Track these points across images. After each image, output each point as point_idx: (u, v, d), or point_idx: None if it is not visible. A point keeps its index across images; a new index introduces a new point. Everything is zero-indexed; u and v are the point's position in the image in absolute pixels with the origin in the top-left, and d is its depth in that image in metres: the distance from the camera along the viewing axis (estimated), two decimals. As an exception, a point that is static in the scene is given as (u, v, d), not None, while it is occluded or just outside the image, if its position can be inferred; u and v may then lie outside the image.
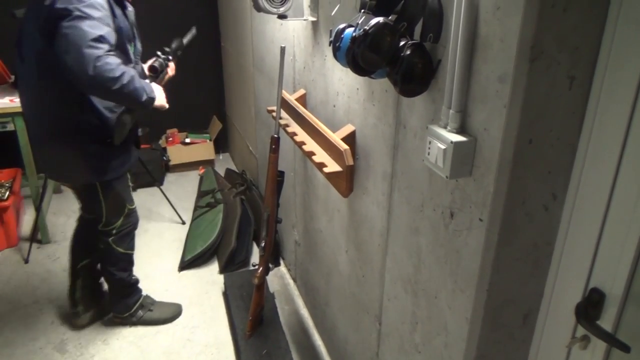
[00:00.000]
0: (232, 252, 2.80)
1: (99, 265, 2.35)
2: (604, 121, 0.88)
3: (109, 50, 1.69)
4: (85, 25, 1.64)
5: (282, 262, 2.88)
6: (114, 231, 2.18)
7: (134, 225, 2.28)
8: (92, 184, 2.05)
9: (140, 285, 2.43)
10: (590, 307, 0.95)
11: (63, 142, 1.95)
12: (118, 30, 1.81)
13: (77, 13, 1.65)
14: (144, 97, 1.84)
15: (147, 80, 1.97)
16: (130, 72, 1.75)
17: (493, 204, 0.96)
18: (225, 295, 2.59)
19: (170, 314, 2.47)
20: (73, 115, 1.90)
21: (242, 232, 2.92)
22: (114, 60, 1.69)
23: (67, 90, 1.82)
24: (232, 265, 2.82)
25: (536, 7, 0.80)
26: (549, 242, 1.02)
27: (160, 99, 2.01)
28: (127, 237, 2.25)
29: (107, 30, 1.70)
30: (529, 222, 0.98)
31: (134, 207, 2.25)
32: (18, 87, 2.06)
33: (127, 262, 2.30)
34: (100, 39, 1.66)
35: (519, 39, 0.83)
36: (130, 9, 1.98)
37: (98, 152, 1.98)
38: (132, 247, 2.30)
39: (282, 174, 2.02)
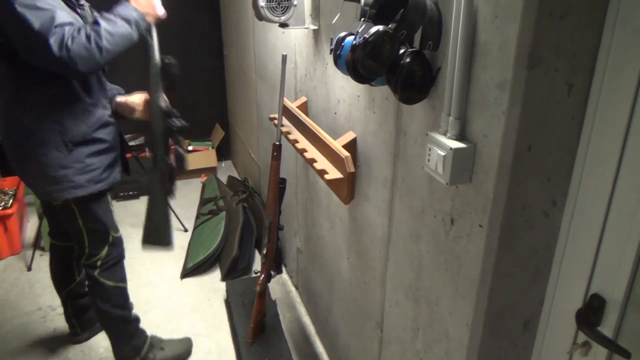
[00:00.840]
0: (234, 259, 2.81)
1: (85, 286, 2.16)
2: (603, 127, 0.89)
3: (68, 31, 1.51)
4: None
5: (284, 269, 2.88)
6: (99, 263, 1.94)
7: (121, 255, 2.03)
8: (68, 206, 1.82)
9: (142, 326, 2.20)
10: (590, 313, 0.95)
11: (24, 152, 1.73)
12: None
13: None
14: (133, 30, 1.64)
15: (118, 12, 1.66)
16: (98, 29, 1.56)
17: (493, 210, 0.96)
18: (227, 302, 2.59)
19: (183, 348, 2.27)
20: (27, 121, 1.69)
21: (244, 239, 2.92)
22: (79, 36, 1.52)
23: (20, 95, 1.67)
24: (234, 272, 2.82)
25: (533, 14, 0.81)
26: (549, 248, 1.02)
27: (148, 7, 1.71)
28: (116, 267, 2.00)
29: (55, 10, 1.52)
30: (529, 228, 0.99)
31: (119, 235, 2.00)
32: None
33: (121, 296, 2.04)
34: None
35: (516, 46, 0.84)
36: (85, 7, 1.76)
37: (58, 162, 1.73)
38: (123, 279, 2.05)
39: (283, 181, 2.03)
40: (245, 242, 2.92)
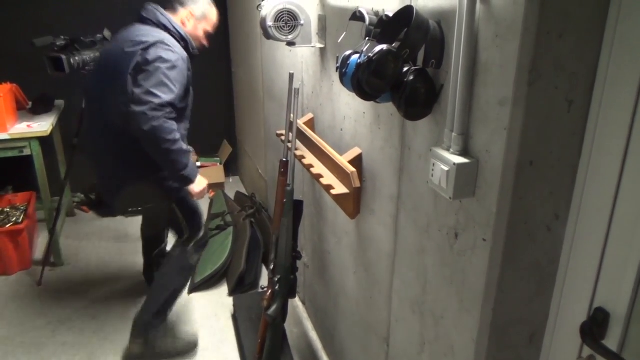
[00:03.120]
0: (242, 274, 2.81)
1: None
2: (603, 142, 0.91)
3: (169, 113, 1.89)
4: (159, 90, 1.86)
5: (291, 284, 2.88)
6: (194, 241, 2.27)
7: (207, 240, 2.40)
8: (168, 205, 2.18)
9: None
10: (595, 326, 0.95)
11: (151, 171, 2.06)
12: (187, 83, 2.03)
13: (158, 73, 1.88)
14: (182, 171, 1.97)
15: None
16: (182, 145, 1.95)
17: (496, 224, 0.98)
18: (235, 317, 2.60)
19: (188, 346, 2.41)
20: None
21: (251, 254, 2.94)
22: (171, 126, 1.90)
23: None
24: (241, 287, 2.83)
25: (533, 34, 0.84)
26: (552, 261, 1.03)
27: (199, 186, 2.09)
28: (201, 249, 2.34)
29: (176, 95, 1.91)
30: (532, 242, 1.00)
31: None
32: (90, 134, 2.23)
33: (187, 277, 2.39)
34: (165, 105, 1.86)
35: (517, 65, 0.86)
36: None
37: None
38: (196, 264, 2.40)
39: (301, 203, 2.02)
40: (252, 258, 2.94)
